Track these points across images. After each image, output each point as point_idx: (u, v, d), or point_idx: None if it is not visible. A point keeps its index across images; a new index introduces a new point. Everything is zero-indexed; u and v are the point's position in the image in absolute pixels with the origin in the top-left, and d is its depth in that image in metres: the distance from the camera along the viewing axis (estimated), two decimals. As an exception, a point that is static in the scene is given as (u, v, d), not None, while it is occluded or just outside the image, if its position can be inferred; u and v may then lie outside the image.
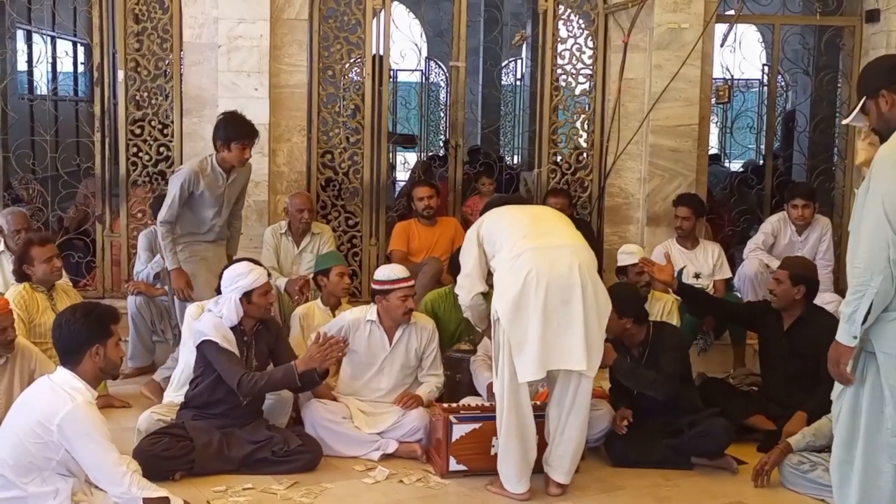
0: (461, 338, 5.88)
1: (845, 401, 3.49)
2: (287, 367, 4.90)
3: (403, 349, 5.41)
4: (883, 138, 3.54)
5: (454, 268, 5.96)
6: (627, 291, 5.39)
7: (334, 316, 5.80)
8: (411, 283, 5.39)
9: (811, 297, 5.57)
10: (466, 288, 4.88)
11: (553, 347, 4.47)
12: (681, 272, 6.79)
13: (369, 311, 5.42)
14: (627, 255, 6.23)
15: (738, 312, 6.10)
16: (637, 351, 5.25)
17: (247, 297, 4.99)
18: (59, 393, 3.67)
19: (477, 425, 4.87)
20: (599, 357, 4.63)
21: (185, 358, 5.32)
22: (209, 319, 5.02)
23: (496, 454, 4.74)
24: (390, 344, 5.39)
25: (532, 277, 4.44)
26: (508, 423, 4.57)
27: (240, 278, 5.00)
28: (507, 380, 4.53)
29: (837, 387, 3.55)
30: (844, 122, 3.88)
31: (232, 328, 5.00)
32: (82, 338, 3.75)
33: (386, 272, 5.39)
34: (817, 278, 5.69)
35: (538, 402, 4.89)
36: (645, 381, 5.09)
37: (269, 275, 6.57)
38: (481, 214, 5.12)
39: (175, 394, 5.33)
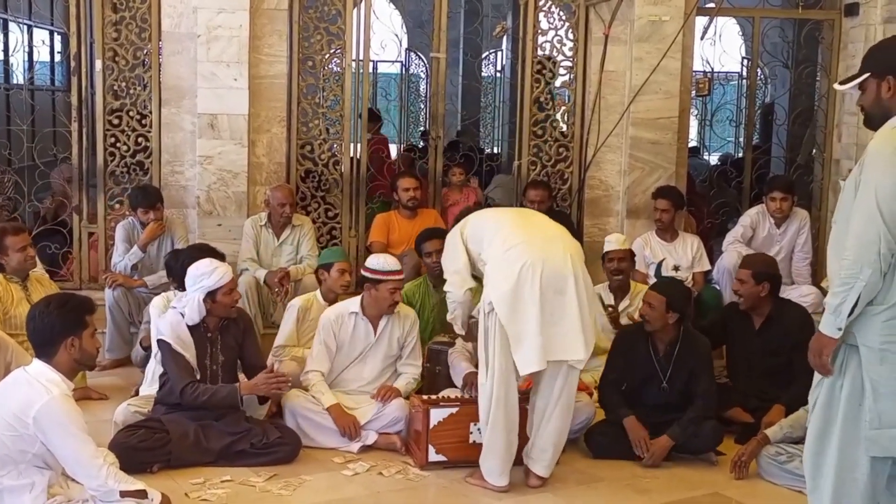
0: (434, 327, 5.89)
1: (821, 393, 3.48)
2: (231, 388, 4.89)
3: (387, 339, 5.40)
4: (871, 119, 3.50)
5: (421, 237, 6.13)
6: (681, 288, 5.37)
7: None
8: (402, 276, 5.39)
9: (776, 292, 5.57)
10: (458, 284, 4.82)
11: (550, 338, 4.46)
12: (660, 264, 6.82)
13: (352, 304, 5.38)
14: (607, 242, 6.33)
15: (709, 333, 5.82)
16: (664, 348, 5.20)
17: (210, 296, 4.94)
18: (34, 385, 3.64)
19: (454, 409, 4.89)
20: (591, 347, 4.62)
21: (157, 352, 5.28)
22: (169, 318, 5.00)
23: (475, 443, 4.74)
24: (375, 334, 5.36)
25: (527, 269, 4.45)
26: (496, 416, 4.55)
27: (203, 278, 4.94)
28: (497, 372, 4.52)
29: (817, 377, 3.55)
30: (837, 87, 3.78)
31: (194, 325, 4.96)
32: (56, 330, 3.71)
33: (379, 262, 5.32)
34: (779, 273, 5.70)
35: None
36: (698, 422, 5.06)
37: (248, 268, 6.60)
38: (455, 223, 5.14)
39: (149, 388, 5.30)
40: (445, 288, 4.96)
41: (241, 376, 5.09)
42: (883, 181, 3.26)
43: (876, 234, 3.25)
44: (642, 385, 5.24)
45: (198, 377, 4.92)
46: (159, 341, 4.96)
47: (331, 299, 5.83)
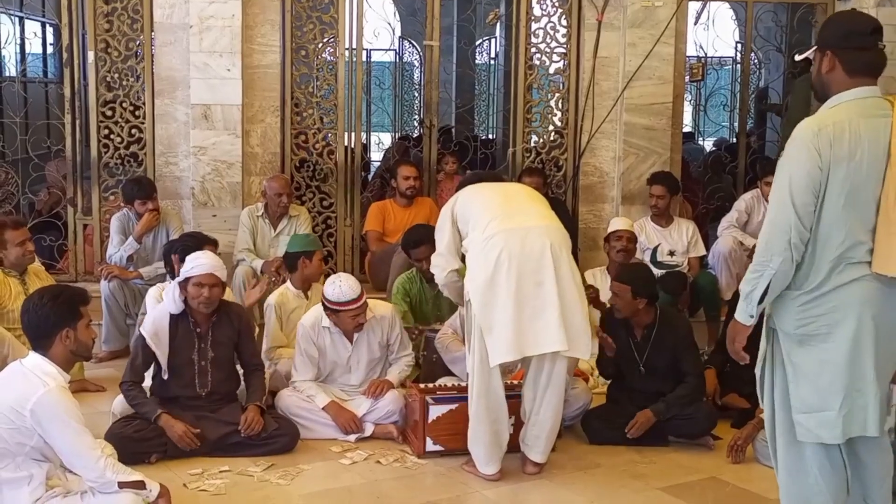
0: (431, 318, 5.89)
1: (765, 380, 3.47)
2: (153, 410, 4.76)
3: (366, 346, 5.31)
4: (816, 94, 3.47)
5: (407, 243, 5.99)
6: (643, 273, 5.38)
7: (307, 298, 5.76)
8: (361, 301, 5.14)
9: None
10: (441, 266, 4.84)
11: (528, 331, 4.43)
12: (655, 250, 6.84)
13: (324, 317, 5.24)
14: (613, 223, 6.47)
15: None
16: (641, 332, 5.22)
17: (185, 284, 4.91)
18: (30, 378, 3.64)
19: (453, 406, 4.86)
20: (584, 336, 4.55)
21: None
22: (156, 311, 5.02)
23: (473, 434, 4.73)
24: (351, 344, 5.29)
25: (503, 260, 4.41)
26: (478, 405, 4.56)
27: (186, 264, 4.94)
28: (477, 362, 4.52)
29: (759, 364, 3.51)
30: (797, 57, 3.77)
31: (182, 318, 4.93)
32: (51, 322, 3.70)
33: (335, 292, 5.09)
34: None
35: (515, 382, 4.89)
36: (685, 401, 5.09)
37: (245, 259, 6.60)
38: (457, 191, 5.06)
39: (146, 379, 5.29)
40: (431, 269, 4.94)
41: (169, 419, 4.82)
42: (796, 170, 3.20)
43: (787, 223, 3.19)
44: (625, 369, 5.27)
45: (164, 376, 4.91)
46: (139, 333, 4.97)
47: (305, 288, 5.79)
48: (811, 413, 3.27)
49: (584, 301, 4.64)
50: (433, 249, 5.02)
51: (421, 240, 5.85)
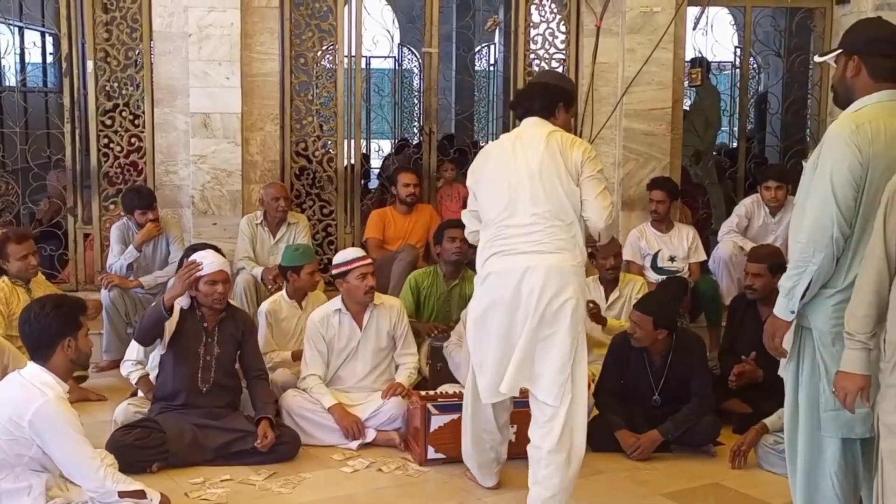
0: (438, 316, 5.95)
1: (788, 378, 3.50)
2: (158, 298, 4.99)
3: (374, 332, 5.38)
4: (836, 97, 3.54)
5: (444, 225, 6.16)
6: (666, 303, 5.29)
7: (301, 307, 5.77)
8: (368, 261, 5.38)
9: None
10: (469, 228, 4.53)
11: (528, 370, 4.17)
12: (656, 256, 6.82)
13: (334, 302, 5.40)
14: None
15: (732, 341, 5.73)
16: (658, 358, 5.19)
17: (196, 282, 4.95)
18: (29, 388, 3.64)
19: (455, 416, 4.82)
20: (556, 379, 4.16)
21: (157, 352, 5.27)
22: None
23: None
24: (361, 329, 5.35)
25: (494, 303, 4.18)
26: (471, 424, 4.51)
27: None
28: (470, 385, 4.46)
29: (783, 364, 3.55)
30: (817, 58, 3.81)
31: (191, 313, 4.98)
32: (54, 331, 3.71)
33: (341, 256, 5.40)
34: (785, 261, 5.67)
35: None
36: (691, 421, 5.07)
37: (245, 267, 6.60)
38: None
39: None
40: (466, 233, 4.64)
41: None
42: (838, 166, 3.25)
43: (829, 218, 3.24)
44: (635, 395, 5.22)
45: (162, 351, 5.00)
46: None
47: (299, 297, 5.81)
48: (841, 410, 3.28)
49: (571, 343, 4.14)
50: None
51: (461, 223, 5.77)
